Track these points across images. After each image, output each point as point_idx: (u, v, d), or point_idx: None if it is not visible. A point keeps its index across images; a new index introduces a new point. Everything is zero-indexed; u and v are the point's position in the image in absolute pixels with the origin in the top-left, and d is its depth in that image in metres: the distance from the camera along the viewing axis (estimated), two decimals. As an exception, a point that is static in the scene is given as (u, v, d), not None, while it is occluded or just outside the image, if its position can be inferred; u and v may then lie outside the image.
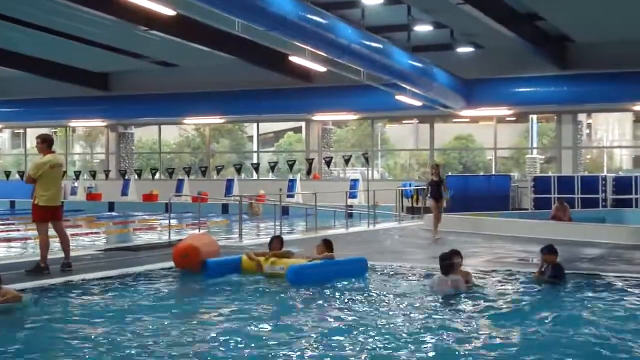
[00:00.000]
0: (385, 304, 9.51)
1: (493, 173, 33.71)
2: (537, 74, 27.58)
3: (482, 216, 21.53)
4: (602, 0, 20.75)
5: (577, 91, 27.33)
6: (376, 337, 7.54)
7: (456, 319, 8.46)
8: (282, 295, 10.14)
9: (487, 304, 9.35)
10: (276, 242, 12.17)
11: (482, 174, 37.45)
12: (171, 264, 12.21)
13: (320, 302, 9.61)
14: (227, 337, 7.52)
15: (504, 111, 30.72)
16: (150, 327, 8.04)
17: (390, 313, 8.87)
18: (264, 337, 7.55)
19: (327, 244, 12.02)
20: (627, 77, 26.39)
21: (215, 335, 7.65)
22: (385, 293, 10.25)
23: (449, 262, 10.17)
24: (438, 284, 10.05)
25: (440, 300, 9.60)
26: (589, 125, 42.59)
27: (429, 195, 18.63)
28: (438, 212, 18.55)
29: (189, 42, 24.27)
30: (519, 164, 40.27)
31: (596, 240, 16.78)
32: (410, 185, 29.17)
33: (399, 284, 11.15)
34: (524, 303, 9.44)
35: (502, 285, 10.80)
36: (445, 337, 7.58)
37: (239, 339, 7.45)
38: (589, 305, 9.21)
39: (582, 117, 31.53)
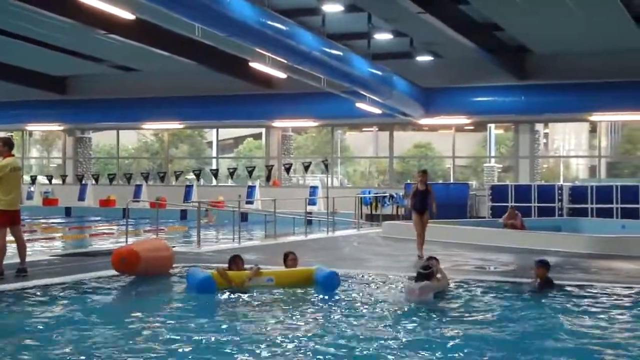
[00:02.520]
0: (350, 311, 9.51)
1: (451, 181, 33.95)
2: (496, 83, 27.86)
3: (440, 224, 21.64)
4: (560, 12, 21.00)
5: (535, 101, 27.66)
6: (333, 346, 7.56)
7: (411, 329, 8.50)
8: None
9: (449, 313, 9.40)
10: (238, 260, 11.28)
11: (440, 182, 37.67)
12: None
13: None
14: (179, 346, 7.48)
15: (462, 120, 30.96)
16: (105, 335, 7.94)
17: (350, 320, 8.87)
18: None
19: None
20: (584, 88, 26.76)
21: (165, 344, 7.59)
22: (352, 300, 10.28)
23: (423, 271, 10.13)
24: (407, 292, 10.08)
25: (403, 308, 9.63)
26: (546, 135, 43.07)
27: (408, 206, 16.06)
28: (422, 229, 15.85)
29: (149, 46, 24.09)
30: (477, 172, 40.65)
31: (552, 248, 16.95)
32: (369, 193, 29.27)
33: (362, 291, 11.15)
34: (488, 312, 9.45)
35: (464, 294, 10.80)
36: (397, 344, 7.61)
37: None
38: (547, 313, 9.29)
39: (539, 126, 31.89)
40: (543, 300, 10.24)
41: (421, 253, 15.38)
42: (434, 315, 9.16)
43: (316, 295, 10.49)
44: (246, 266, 11.32)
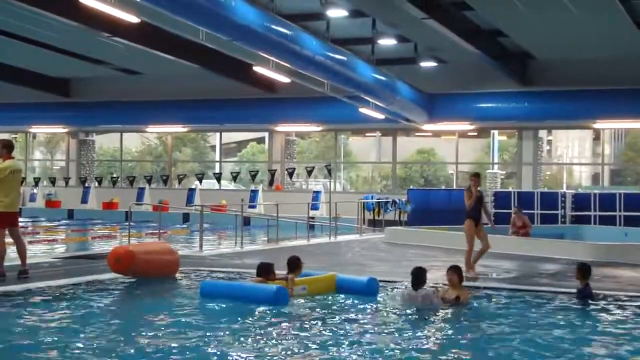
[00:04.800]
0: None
1: (454, 187, 33.92)
2: (499, 89, 27.84)
3: (442, 230, 21.61)
4: (564, 19, 21.00)
5: (538, 108, 27.63)
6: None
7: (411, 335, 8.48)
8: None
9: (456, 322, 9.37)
10: (273, 268, 10.64)
11: (443, 188, 37.65)
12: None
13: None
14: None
15: (465, 126, 30.94)
16: (105, 337, 7.93)
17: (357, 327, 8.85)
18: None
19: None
20: (587, 94, 26.74)
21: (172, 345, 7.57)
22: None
23: (420, 277, 10.02)
24: (408, 299, 9.97)
25: (406, 314, 9.60)
26: (549, 142, 43.07)
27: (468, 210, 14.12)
28: (485, 240, 14.06)
29: (153, 49, 24.12)
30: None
31: (555, 256, 16.92)
32: (372, 198, 29.23)
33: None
34: (498, 320, 9.42)
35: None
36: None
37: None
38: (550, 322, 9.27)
39: (542, 133, 31.87)
40: (540, 309, 10.20)
41: (473, 270, 13.77)
42: (442, 323, 9.14)
43: (348, 302, 10.38)
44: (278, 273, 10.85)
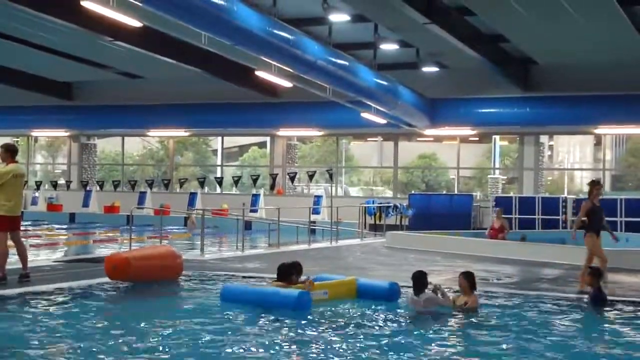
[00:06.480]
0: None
1: (455, 192, 33.94)
2: (501, 95, 27.81)
3: (443, 235, 21.64)
4: (566, 24, 21.00)
5: (540, 113, 27.61)
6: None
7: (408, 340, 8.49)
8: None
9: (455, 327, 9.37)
10: (294, 271, 10.47)
11: (444, 192, 37.66)
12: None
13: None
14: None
15: (467, 131, 30.91)
16: (107, 341, 7.92)
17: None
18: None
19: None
20: (589, 100, 26.71)
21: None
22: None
23: (421, 281, 9.98)
24: (411, 304, 9.98)
25: (408, 319, 9.61)
26: (550, 147, 43.08)
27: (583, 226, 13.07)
28: (600, 252, 12.92)
29: (155, 54, 24.14)
30: (481, 183, 40.67)
31: (555, 261, 16.92)
32: (373, 203, 29.24)
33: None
34: (497, 324, 9.46)
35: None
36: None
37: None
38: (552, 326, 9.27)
39: (544, 138, 31.83)
40: (538, 313, 10.21)
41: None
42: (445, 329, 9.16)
43: (369, 307, 10.30)
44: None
